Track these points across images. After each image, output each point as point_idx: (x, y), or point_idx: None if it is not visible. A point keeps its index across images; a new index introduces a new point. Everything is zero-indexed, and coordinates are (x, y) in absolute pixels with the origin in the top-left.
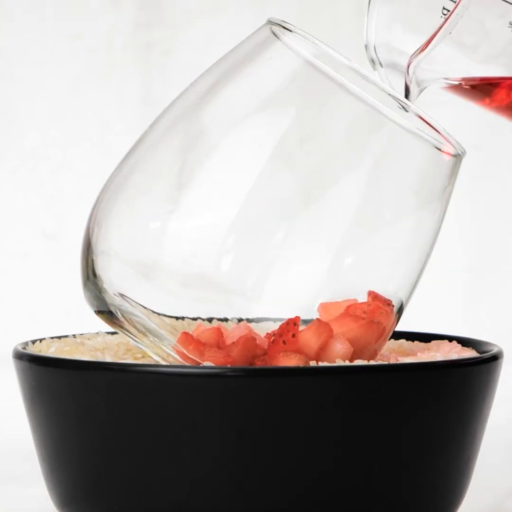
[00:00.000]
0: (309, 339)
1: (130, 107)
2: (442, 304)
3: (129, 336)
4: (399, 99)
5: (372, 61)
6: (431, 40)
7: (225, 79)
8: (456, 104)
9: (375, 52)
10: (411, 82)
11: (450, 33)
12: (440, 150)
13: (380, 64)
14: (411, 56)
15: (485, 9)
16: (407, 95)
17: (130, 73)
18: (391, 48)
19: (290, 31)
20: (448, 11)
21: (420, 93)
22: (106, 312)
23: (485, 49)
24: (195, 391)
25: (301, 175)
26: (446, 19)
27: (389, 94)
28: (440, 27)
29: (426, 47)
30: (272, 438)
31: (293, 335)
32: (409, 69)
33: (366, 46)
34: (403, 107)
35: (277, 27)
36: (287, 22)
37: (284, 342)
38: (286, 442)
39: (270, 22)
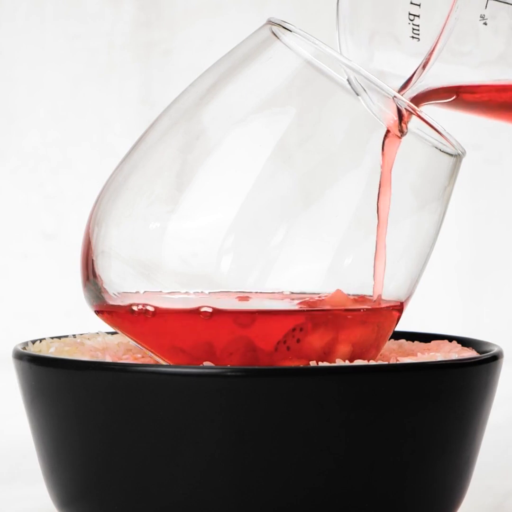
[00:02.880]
0: (313, 342)
1: (130, 107)
2: (442, 304)
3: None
4: (399, 99)
5: (356, 93)
6: (427, 62)
7: (225, 79)
8: None
9: (358, 82)
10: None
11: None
12: (440, 150)
13: (365, 90)
14: (402, 89)
15: (475, 12)
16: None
17: (130, 73)
18: (377, 74)
19: (290, 31)
20: (415, 16)
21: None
22: (106, 312)
23: (479, 55)
24: (195, 391)
25: (301, 175)
26: (438, 39)
27: (389, 95)
28: (432, 49)
29: (421, 72)
30: (272, 438)
31: (298, 340)
32: (404, 105)
33: (348, 80)
34: (404, 108)
35: (277, 27)
36: (287, 22)
37: (288, 348)
38: (286, 442)
39: (270, 22)
